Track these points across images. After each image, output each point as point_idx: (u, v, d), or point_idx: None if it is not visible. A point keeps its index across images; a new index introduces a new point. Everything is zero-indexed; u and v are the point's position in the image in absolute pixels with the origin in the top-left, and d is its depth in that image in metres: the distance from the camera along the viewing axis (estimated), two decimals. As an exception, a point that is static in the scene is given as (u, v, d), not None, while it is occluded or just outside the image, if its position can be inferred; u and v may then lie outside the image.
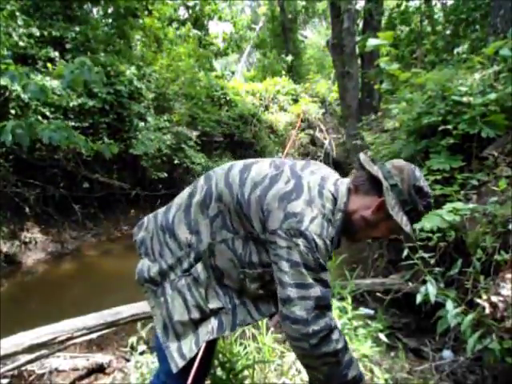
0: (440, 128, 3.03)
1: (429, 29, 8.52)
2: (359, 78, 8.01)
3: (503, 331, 1.81)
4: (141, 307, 2.69)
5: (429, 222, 2.32)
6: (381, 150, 3.93)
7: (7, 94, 5.67)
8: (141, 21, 9.85)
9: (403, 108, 3.72)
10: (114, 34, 8.79)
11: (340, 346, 1.14)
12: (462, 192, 2.74)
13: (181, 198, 1.38)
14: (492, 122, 2.92)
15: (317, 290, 1.11)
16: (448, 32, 7.78)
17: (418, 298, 2.01)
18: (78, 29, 7.49)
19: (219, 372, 1.94)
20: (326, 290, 1.13)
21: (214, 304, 1.28)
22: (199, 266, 1.27)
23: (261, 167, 1.26)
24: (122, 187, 7.60)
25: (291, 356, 2.14)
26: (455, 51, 6.96)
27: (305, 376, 2.02)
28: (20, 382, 2.53)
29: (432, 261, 2.34)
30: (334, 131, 12.56)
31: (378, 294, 2.96)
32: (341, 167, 9.44)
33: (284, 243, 1.11)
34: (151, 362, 2.24)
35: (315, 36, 20.66)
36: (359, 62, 8.22)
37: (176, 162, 8.18)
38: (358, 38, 7.66)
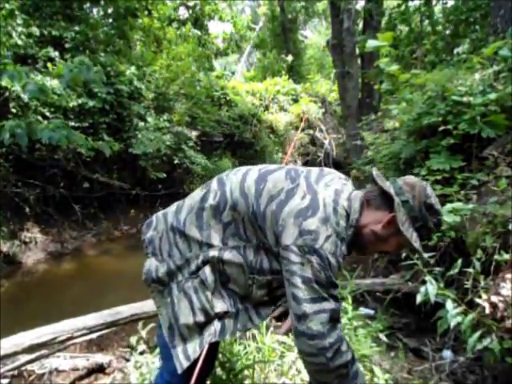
0: (440, 128, 3.03)
1: (429, 29, 8.52)
2: (359, 78, 8.00)
3: (503, 331, 1.81)
4: (141, 307, 2.70)
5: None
6: (381, 150, 3.93)
7: (7, 94, 5.67)
8: (140, 21, 9.85)
9: (403, 108, 3.72)
10: (113, 34, 8.78)
11: (350, 356, 1.17)
12: (462, 192, 2.74)
13: (192, 199, 1.37)
14: (492, 122, 2.92)
15: (330, 304, 1.13)
16: (448, 32, 7.79)
17: (418, 299, 2.01)
18: (77, 29, 7.49)
19: (219, 372, 1.94)
20: (337, 303, 1.15)
21: (219, 308, 1.28)
22: (207, 269, 1.27)
23: (277, 179, 1.26)
24: (122, 187, 7.60)
25: (291, 356, 2.15)
26: (455, 51, 6.96)
27: (305, 376, 2.02)
28: (20, 382, 2.53)
29: (432, 261, 2.34)
30: (334, 131, 12.56)
31: (378, 294, 2.97)
32: (341, 167, 9.44)
33: (297, 259, 1.12)
34: (151, 361, 2.24)
35: (315, 36, 20.67)
36: (359, 62, 8.21)
37: (176, 162, 8.17)
38: (358, 38, 7.66)
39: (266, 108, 11.86)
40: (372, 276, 3.52)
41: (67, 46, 7.28)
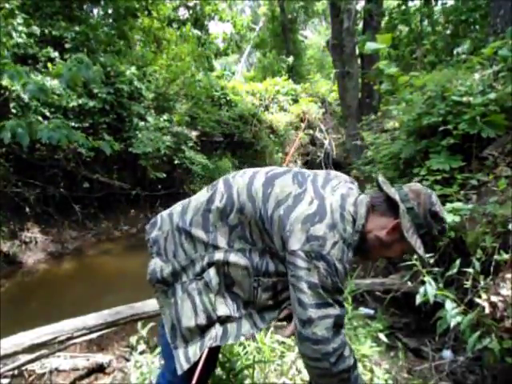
0: (440, 128, 3.03)
1: (429, 29, 8.52)
2: (359, 78, 8.00)
3: (503, 331, 1.81)
4: (141, 307, 2.70)
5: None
6: (381, 150, 3.93)
7: (7, 94, 5.67)
8: (140, 21, 9.85)
9: (403, 108, 3.72)
10: (113, 35, 8.78)
11: (352, 361, 1.18)
12: (462, 192, 2.74)
13: (198, 200, 1.36)
14: (492, 122, 2.92)
15: (335, 309, 1.14)
16: (448, 32, 7.79)
17: (418, 299, 2.01)
18: (78, 29, 7.49)
19: (219, 372, 1.94)
20: (342, 309, 1.17)
21: (221, 311, 1.28)
22: (212, 271, 1.28)
23: (284, 183, 1.26)
24: (122, 187, 7.60)
25: (291, 356, 2.15)
26: (455, 51, 6.95)
27: (305, 376, 2.02)
28: (20, 382, 2.54)
29: (431, 261, 2.34)
30: (334, 131, 12.56)
31: (378, 294, 2.97)
32: (341, 167, 9.44)
33: (304, 264, 1.13)
34: (151, 361, 2.25)
35: (315, 36, 20.68)
36: (359, 62, 8.22)
37: (176, 162, 8.18)
38: (358, 38, 7.66)
39: (266, 108, 11.86)
40: (372, 276, 3.52)
41: (67, 46, 7.28)
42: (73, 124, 6.42)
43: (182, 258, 1.32)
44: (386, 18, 8.73)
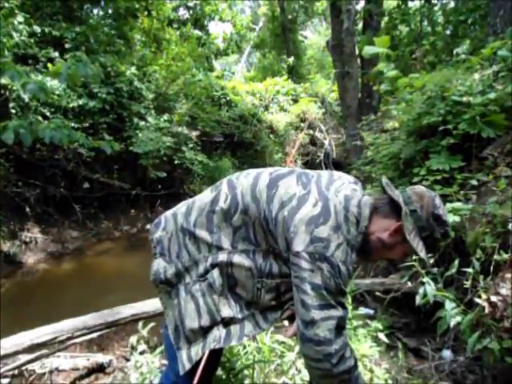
0: (440, 128, 3.03)
1: (428, 29, 8.53)
2: (359, 78, 8.01)
3: (502, 331, 1.81)
4: (141, 307, 2.70)
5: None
6: (380, 150, 3.93)
7: (7, 93, 5.68)
8: (140, 21, 9.86)
9: (403, 108, 3.72)
10: (114, 35, 8.79)
11: (353, 362, 1.18)
12: (462, 192, 2.74)
13: (202, 201, 1.36)
14: (492, 121, 2.92)
15: (338, 311, 1.14)
16: (447, 32, 7.79)
17: (417, 300, 2.01)
18: (78, 29, 7.50)
19: (219, 372, 1.94)
20: (344, 310, 1.17)
21: (225, 313, 1.29)
22: (215, 273, 1.28)
23: (288, 184, 1.26)
24: (122, 187, 7.60)
25: (291, 356, 2.15)
26: (455, 52, 6.96)
27: (305, 376, 2.02)
28: (20, 382, 2.54)
29: (431, 261, 2.34)
30: (334, 131, 12.56)
31: (378, 294, 2.97)
32: (341, 167, 9.44)
33: (307, 266, 1.13)
34: (151, 361, 2.25)
35: (315, 36, 20.68)
36: (359, 62, 8.21)
37: (176, 162, 8.18)
38: (357, 39, 7.66)
39: (266, 108, 11.85)
40: (372, 276, 3.52)
41: (67, 46, 7.29)
42: (73, 124, 6.42)
43: (185, 258, 1.31)
44: (386, 18, 8.73)
